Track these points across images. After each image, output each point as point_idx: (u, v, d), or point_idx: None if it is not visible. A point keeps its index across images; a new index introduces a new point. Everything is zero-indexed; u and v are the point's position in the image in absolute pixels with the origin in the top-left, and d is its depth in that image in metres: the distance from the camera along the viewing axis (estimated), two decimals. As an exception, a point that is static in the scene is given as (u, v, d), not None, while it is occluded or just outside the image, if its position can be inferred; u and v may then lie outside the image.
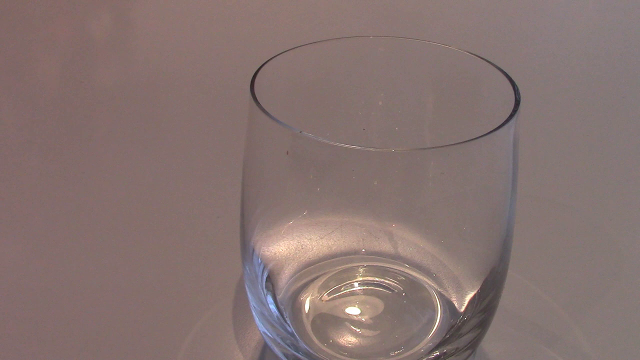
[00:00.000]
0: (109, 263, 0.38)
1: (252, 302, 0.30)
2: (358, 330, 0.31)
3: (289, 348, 0.29)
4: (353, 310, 0.32)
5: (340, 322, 0.31)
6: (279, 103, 0.28)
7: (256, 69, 0.28)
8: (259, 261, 0.30)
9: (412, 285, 0.33)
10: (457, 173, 0.27)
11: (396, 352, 0.29)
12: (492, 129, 0.25)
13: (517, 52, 0.65)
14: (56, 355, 0.32)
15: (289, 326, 0.30)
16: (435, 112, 0.33)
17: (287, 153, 0.26)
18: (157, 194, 0.44)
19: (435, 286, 0.32)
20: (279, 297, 0.31)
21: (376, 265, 0.33)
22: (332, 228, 0.32)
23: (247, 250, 0.29)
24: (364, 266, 0.33)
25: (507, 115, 0.26)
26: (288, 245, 0.32)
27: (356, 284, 0.33)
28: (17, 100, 0.56)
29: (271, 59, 0.29)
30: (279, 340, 0.29)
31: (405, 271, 0.33)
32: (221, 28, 0.68)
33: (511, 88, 0.27)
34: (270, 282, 0.31)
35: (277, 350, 0.29)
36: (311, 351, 0.29)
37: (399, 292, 0.32)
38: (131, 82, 0.59)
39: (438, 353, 0.29)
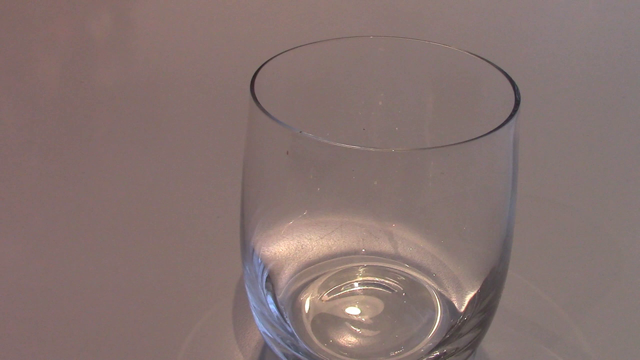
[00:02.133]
0: (109, 263, 0.38)
1: (252, 302, 0.30)
2: (358, 330, 0.31)
3: (288, 348, 0.29)
4: (353, 310, 0.32)
5: (340, 322, 0.31)
6: (279, 103, 0.28)
7: (256, 69, 0.28)
8: (259, 261, 0.30)
9: (412, 285, 0.33)
10: (457, 173, 0.27)
11: (396, 352, 0.29)
12: (492, 129, 0.25)
13: (517, 52, 0.65)
14: (56, 355, 0.32)
15: (289, 326, 0.30)
16: (435, 112, 0.33)
17: (287, 153, 0.26)
18: (157, 194, 0.44)
19: (435, 286, 0.32)
20: (279, 297, 0.31)
21: (376, 265, 0.33)
22: (332, 228, 0.32)
23: (247, 250, 0.29)
24: (364, 266, 0.33)
25: (507, 115, 0.26)
26: (288, 245, 0.32)
27: (356, 284, 0.33)
28: (17, 100, 0.56)
29: (271, 59, 0.29)
30: (279, 340, 0.29)
31: (405, 271, 0.33)
32: (221, 28, 0.68)
33: (511, 88, 0.27)
34: (270, 282, 0.31)
35: (277, 350, 0.29)
36: (311, 351, 0.29)
37: (399, 292, 0.32)
38: (131, 82, 0.59)
39: (438, 353, 0.29)
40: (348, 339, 0.30)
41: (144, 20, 0.72)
